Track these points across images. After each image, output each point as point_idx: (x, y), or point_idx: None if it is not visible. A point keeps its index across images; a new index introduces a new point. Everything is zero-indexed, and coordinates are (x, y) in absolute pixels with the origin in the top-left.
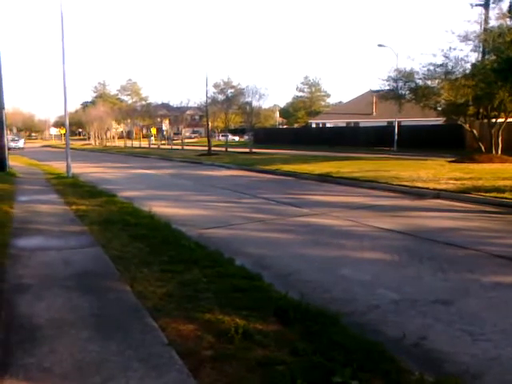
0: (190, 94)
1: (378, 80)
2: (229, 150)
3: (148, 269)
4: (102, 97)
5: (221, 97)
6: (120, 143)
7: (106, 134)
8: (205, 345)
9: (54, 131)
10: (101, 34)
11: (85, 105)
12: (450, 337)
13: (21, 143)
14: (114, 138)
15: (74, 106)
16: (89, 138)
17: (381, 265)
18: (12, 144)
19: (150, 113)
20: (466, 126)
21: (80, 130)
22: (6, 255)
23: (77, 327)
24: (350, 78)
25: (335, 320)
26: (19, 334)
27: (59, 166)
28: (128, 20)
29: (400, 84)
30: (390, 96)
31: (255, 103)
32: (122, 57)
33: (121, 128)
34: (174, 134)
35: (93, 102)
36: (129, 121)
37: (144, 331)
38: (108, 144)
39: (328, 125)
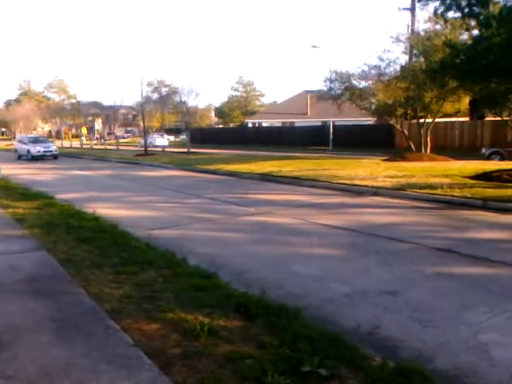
0: (123, 92)
1: (315, 80)
2: (166, 150)
3: (101, 271)
4: (27, 94)
5: (155, 95)
6: None
7: (32, 134)
8: (171, 343)
9: None
10: (25, 29)
11: (8, 103)
12: (400, 325)
13: None
14: None
15: None
16: (14, 138)
17: (330, 260)
18: None
19: (81, 111)
20: (398, 126)
21: (4, 129)
22: None
23: (36, 332)
24: (283, 79)
25: (297, 313)
26: None
27: None
28: (54, 16)
29: (336, 85)
30: (327, 96)
31: (191, 103)
32: (48, 54)
33: (48, 127)
34: (107, 133)
35: (17, 100)
36: (57, 120)
37: (107, 333)
38: None
39: (264, 124)
